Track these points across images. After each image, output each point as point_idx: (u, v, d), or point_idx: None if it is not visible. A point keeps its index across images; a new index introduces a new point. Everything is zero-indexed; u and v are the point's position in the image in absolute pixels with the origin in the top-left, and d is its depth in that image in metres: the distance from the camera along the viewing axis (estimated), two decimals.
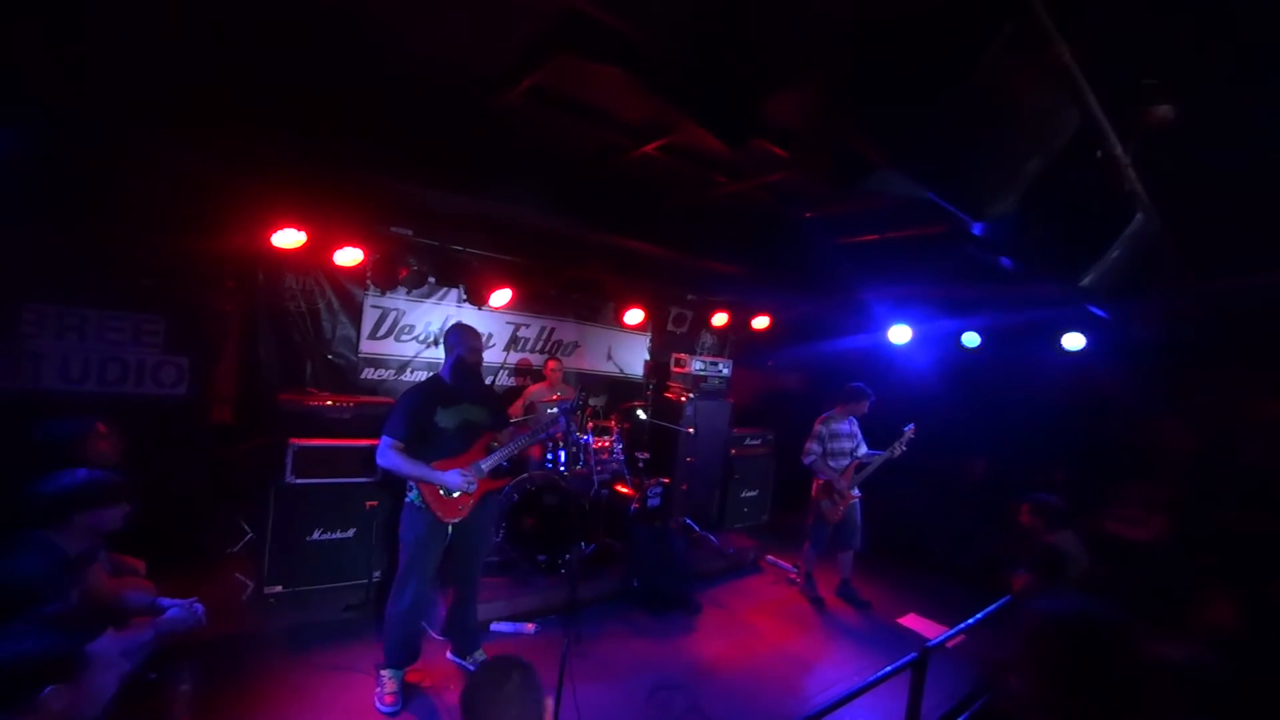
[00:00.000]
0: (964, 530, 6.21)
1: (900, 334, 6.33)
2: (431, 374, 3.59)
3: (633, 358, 7.30)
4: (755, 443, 7.04)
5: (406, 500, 3.32)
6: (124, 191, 3.78)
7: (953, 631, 3.22)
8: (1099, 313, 4.71)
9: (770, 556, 6.14)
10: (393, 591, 3.32)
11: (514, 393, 5.91)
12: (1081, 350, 5.22)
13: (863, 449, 5.28)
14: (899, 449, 5.08)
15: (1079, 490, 4.80)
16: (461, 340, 3.48)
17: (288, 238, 4.11)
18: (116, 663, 1.69)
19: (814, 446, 5.19)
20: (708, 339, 8.05)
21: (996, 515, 5.26)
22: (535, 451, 5.21)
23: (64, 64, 2.87)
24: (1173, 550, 4.59)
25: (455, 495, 3.28)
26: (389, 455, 3.17)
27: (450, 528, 3.31)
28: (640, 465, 5.61)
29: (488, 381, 5.98)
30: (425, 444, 3.27)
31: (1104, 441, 5.38)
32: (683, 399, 6.28)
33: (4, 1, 2.53)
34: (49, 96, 2.94)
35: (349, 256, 4.52)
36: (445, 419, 3.33)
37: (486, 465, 3.39)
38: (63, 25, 2.73)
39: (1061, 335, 5.27)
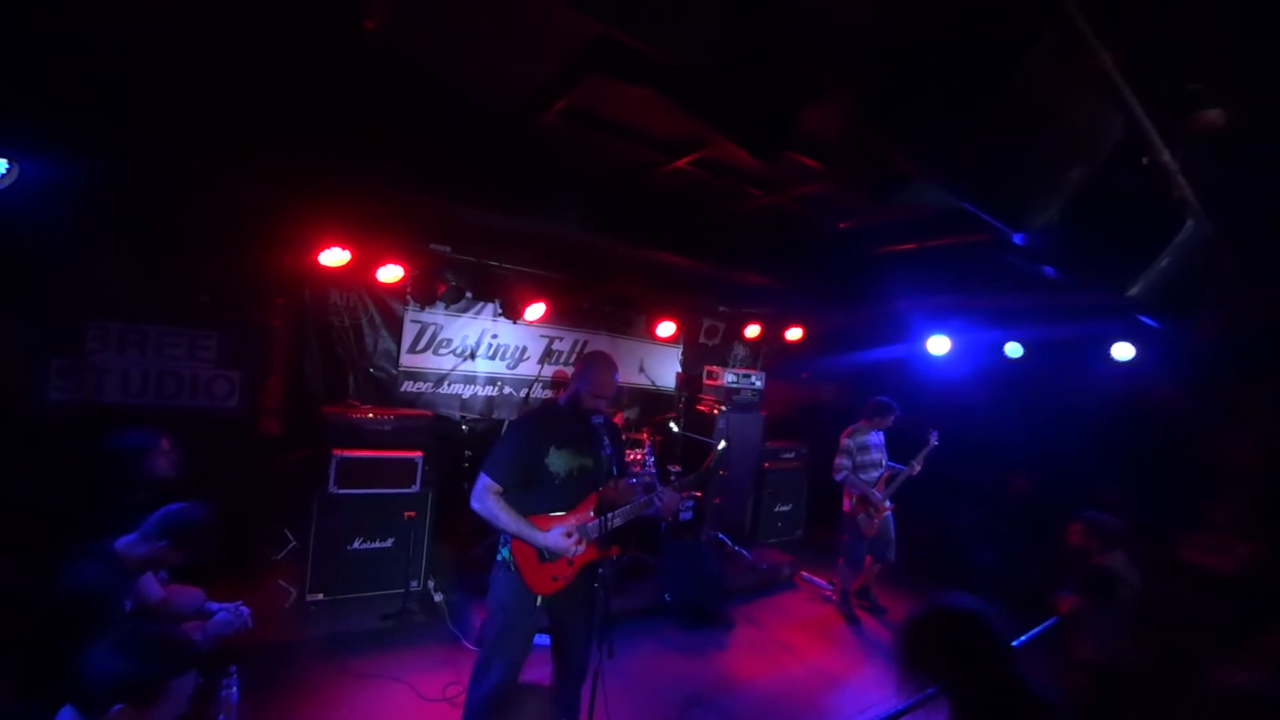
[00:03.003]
0: (1009, 548, 5.98)
1: (939, 345, 6.18)
2: (549, 398, 3.06)
3: (664, 370, 7.30)
4: (789, 456, 6.95)
5: (497, 558, 2.75)
6: (182, 215, 4.00)
7: None
8: (1150, 322, 4.52)
9: (805, 573, 6.03)
10: (474, 670, 2.71)
11: None
12: (1134, 360, 5.00)
13: (886, 463, 5.21)
14: (923, 458, 5.05)
15: (1134, 509, 4.59)
16: (587, 373, 2.80)
17: (333, 256, 4.27)
18: (185, 699, 1.75)
19: (844, 462, 5.11)
20: (740, 351, 8.00)
21: (1043, 533, 5.07)
22: None
23: (126, 99, 3.05)
24: (1248, 577, 4.32)
25: (553, 562, 2.67)
26: (486, 500, 2.61)
27: (540, 601, 2.69)
28: (672, 478, 5.60)
29: (522, 396, 6.07)
30: (527, 490, 2.69)
31: (1160, 457, 5.13)
32: (715, 411, 6.25)
33: (72, 46, 2.73)
34: (112, 129, 3.12)
35: (390, 273, 4.67)
36: (558, 462, 2.71)
37: (597, 529, 2.71)
38: (123, 63, 2.92)
39: (1111, 345, 5.07)
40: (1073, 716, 1.66)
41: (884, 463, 5.18)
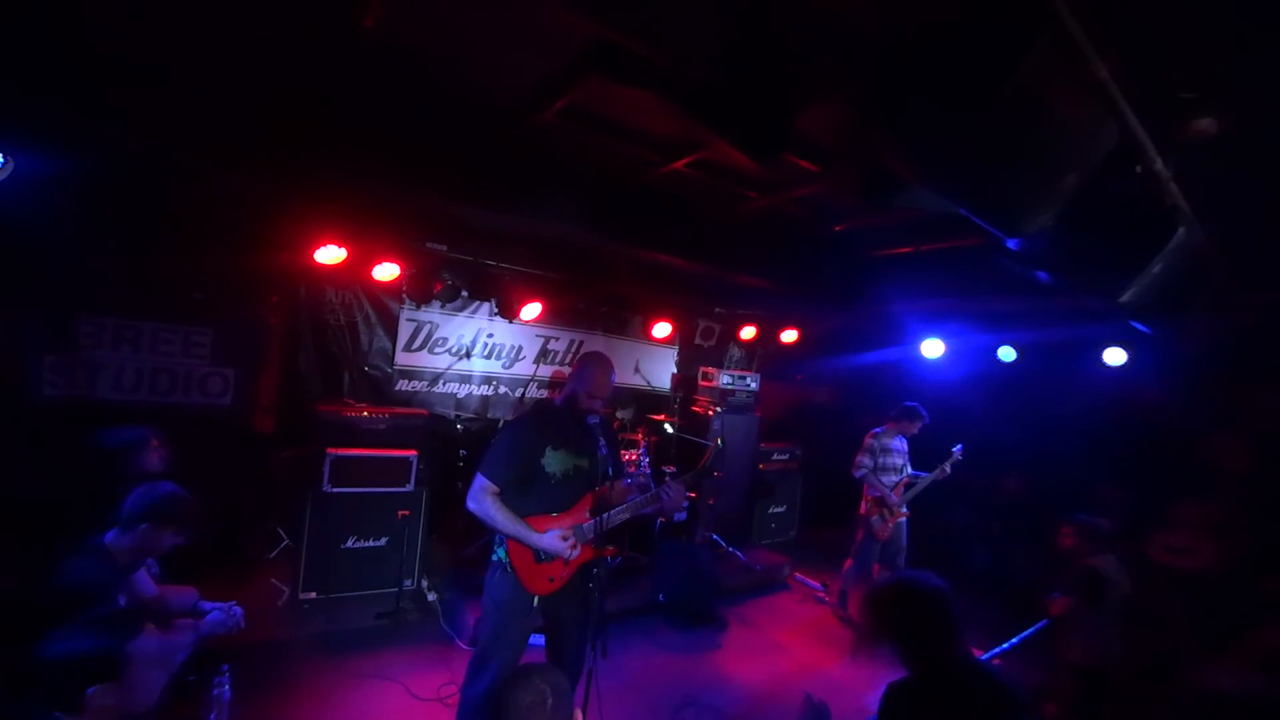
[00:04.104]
0: (1002, 550, 6.03)
1: (933, 348, 6.21)
2: (544, 398, 3.00)
3: (660, 371, 7.31)
4: (783, 458, 6.96)
5: (492, 558, 2.75)
6: (177, 211, 3.98)
7: (988, 655, 3.13)
8: (1141, 328, 4.56)
9: (799, 574, 6.05)
10: (469, 669, 2.72)
11: None
12: (1127, 364, 5.03)
13: (909, 469, 5.20)
14: (945, 470, 4.99)
15: (1128, 511, 4.62)
16: (584, 373, 2.80)
17: (329, 254, 4.26)
18: (161, 659, 1.74)
19: (865, 460, 5.12)
20: (735, 352, 8.01)
21: (1036, 535, 5.11)
22: None
23: (123, 94, 3.04)
24: (1226, 577, 4.36)
25: (549, 563, 2.67)
26: (483, 501, 2.60)
27: (536, 601, 2.69)
28: (667, 478, 5.60)
29: (518, 396, 6.07)
30: (522, 490, 2.69)
31: (1153, 460, 5.17)
32: (710, 413, 6.26)
33: (69, 41, 2.72)
34: (107, 124, 3.10)
35: (386, 271, 4.66)
36: (554, 462, 2.71)
37: (593, 529, 2.71)
38: (119, 59, 2.91)
39: (1104, 349, 5.10)
40: (1017, 700, 1.81)
41: (905, 469, 5.16)
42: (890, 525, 5.02)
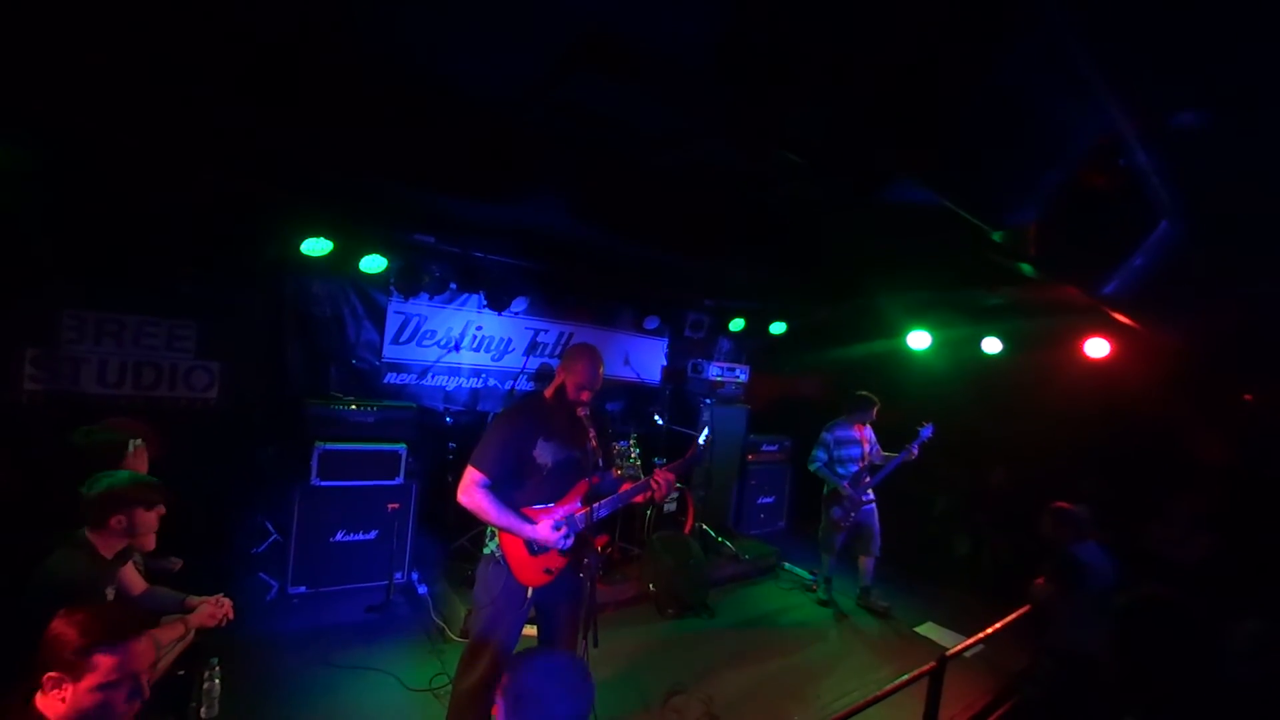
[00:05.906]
0: (984, 538, 6.13)
1: (920, 339, 6.27)
2: (534, 390, 2.99)
3: (650, 363, 7.32)
4: (772, 449, 7.02)
5: (485, 551, 2.76)
6: (162, 203, 3.91)
7: (971, 641, 3.20)
8: (1123, 320, 4.62)
9: (787, 563, 6.12)
10: (462, 661, 2.70)
11: None
12: (1109, 356, 5.10)
13: (878, 453, 5.26)
14: (912, 452, 5.05)
15: (1107, 501, 4.69)
16: (573, 365, 2.77)
17: (316, 246, 4.22)
18: (155, 648, 1.75)
19: (819, 454, 5.23)
20: (725, 345, 8.04)
21: (1017, 524, 5.19)
22: None
23: (107, 84, 2.98)
24: (1218, 570, 4.45)
25: (543, 554, 2.67)
26: (475, 494, 2.56)
27: (530, 594, 2.70)
28: (656, 469, 5.62)
29: (507, 388, 6.07)
30: (514, 482, 2.68)
31: (1133, 452, 5.25)
32: (699, 404, 6.29)
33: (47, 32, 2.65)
34: (91, 116, 3.04)
35: (374, 264, 4.62)
36: (545, 454, 2.69)
37: (585, 519, 2.72)
38: (104, 52, 2.85)
39: (1087, 341, 5.17)
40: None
41: (869, 457, 5.22)
42: (852, 514, 5.10)
